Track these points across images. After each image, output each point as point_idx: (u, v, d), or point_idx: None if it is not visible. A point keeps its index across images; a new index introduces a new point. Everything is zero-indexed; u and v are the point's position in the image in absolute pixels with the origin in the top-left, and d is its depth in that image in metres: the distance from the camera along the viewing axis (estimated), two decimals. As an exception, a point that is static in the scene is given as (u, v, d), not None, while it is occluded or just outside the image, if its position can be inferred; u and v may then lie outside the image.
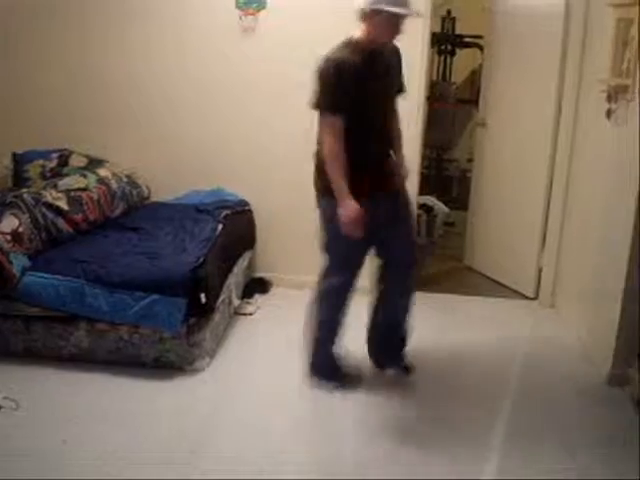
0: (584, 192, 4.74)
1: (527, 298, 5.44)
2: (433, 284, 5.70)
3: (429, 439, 3.46)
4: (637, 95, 3.84)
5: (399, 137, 3.89)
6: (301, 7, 5.04)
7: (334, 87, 3.46)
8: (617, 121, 4.15)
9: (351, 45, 3.56)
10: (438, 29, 7.64)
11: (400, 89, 3.86)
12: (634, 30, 3.93)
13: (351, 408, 3.73)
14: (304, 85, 5.12)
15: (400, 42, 4.88)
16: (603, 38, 4.33)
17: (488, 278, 5.88)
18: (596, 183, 4.46)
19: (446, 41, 8.00)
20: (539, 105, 5.24)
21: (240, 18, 5.08)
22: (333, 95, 3.49)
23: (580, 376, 4.18)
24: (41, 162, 5.06)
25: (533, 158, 5.32)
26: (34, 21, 5.30)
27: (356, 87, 3.48)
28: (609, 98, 4.21)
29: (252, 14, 5.06)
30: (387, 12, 3.41)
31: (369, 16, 3.47)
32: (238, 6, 5.06)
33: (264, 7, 5.03)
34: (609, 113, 4.23)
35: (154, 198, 5.42)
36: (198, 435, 3.40)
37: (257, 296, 5.17)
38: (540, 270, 5.35)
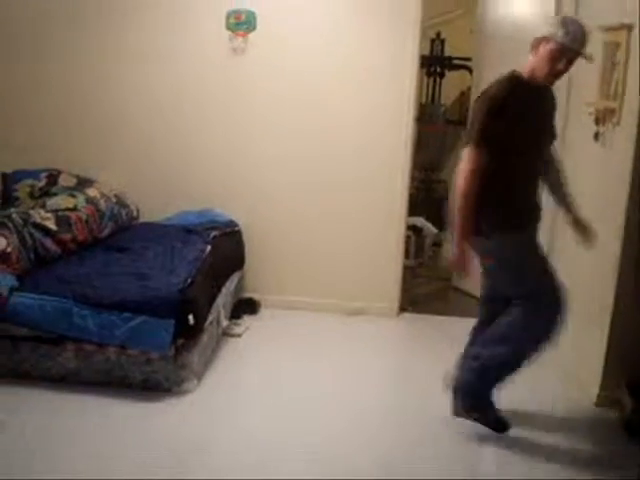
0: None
1: (516, 319, 5.43)
2: (422, 304, 5.71)
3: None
4: (624, 118, 3.87)
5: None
6: (290, 30, 5.09)
7: None
8: (605, 144, 4.17)
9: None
10: (427, 51, 7.68)
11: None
12: (621, 54, 3.97)
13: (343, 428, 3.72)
14: (293, 106, 5.20)
15: (390, 64, 4.97)
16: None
17: (476, 299, 5.86)
18: (584, 205, 4.47)
19: (435, 63, 8.04)
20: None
21: (230, 40, 5.10)
22: None
23: (568, 398, 4.18)
24: (30, 182, 5.06)
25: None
26: (24, 43, 5.31)
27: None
28: (597, 121, 4.24)
29: (242, 35, 5.09)
30: (556, 42, 3.29)
31: (538, 43, 3.40)
32: (228, 27, 5.09)
33: (254, 29, 5.06)
34: (597, 136, 4.25)
35: (143, 218, 5.42)
36: (186, 457, 3.38)
37: (246, 317, 5.16)
38: (529, 291, 5.35)
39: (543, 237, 5.09)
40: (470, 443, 3.61)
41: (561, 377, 4.43)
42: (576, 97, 4.76)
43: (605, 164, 4.12)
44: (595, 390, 4.06)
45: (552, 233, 5.07)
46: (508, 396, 4.05)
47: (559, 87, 4.88)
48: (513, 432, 3.70)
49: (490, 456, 3.54)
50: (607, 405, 4.01)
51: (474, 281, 3.52)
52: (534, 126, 3.43)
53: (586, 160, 4.49)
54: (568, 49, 3.29)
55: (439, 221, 7.41)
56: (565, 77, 4.80)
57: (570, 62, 3.37)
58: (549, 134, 3.59)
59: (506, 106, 3.33)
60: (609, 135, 4.10)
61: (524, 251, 3.53)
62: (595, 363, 4.06)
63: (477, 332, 3.82)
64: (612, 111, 4.04)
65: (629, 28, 3.90)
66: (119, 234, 5.04)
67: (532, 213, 3.61)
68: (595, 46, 4.23)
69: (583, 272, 4.38)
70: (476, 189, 3.32)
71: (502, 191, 3.41)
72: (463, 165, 3.39)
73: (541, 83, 3.44)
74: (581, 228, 3.66)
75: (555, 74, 3.40)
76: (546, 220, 5.06)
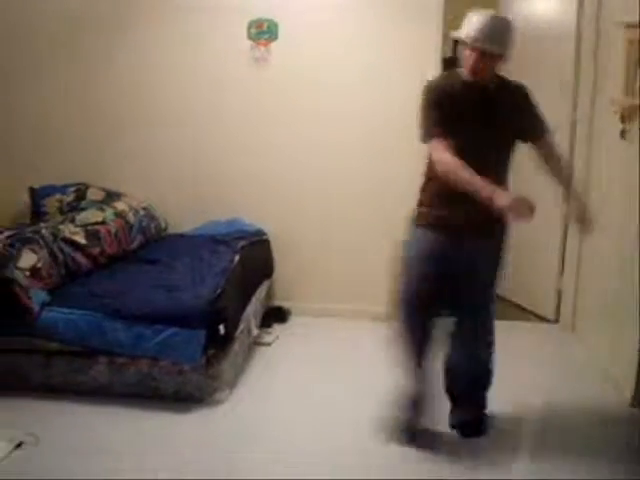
0: (601, 213, 4.71)
1: (547, 321, 5.40)
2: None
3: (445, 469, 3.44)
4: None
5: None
6: (312, 38, 5.09)
7: None
8: (631, 141, 4.13)
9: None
10: (450, 53, 7.65)
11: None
12: (644, 51, 3.94)
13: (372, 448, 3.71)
14: (318, 115, 5.20)
15: (412, 67, 4.95)
16: (615, 59, 4.33)
17: (507, 301, 5.84)
18: (613, 203, 4.44)
19: (458, 65, 7.99)
20: (553, 127, 5.22)
21: (252, 49, 5.12)
22: None
23: (603, 399, 4.14)
24: (58, 197, 5.10)
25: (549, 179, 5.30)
26: (50, 56, 5.36)
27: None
28: (623, 118, 4.20)
29: (264, 45, 5.10)
30: (463, 40, 3.30)
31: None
32: (250, 37, 5.10)
33: (276, 38, 5.07)
34: (623, 133, 4.22)
35: (171, 230, 5.44)
36: (219, 468, 3.38)
37: (276, 325, 5.17)
38: (560, 292, 5.32)
39: (572, 241, 5.08)
40: (505, 443, 3.59)
41: (596, 378, 4.39)
42: (601, 95, 4.72)
43: (632, 162, 4.08)
44: (630, 390, 4.01)
45: (581, 237, 5.03)
46: (543, 397, 4.04)
47: (583, 85, 4.89)
48: (547, 435, 3.68)
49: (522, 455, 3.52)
50: (642, 406, 3.97)
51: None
52: (462, 121, 3.36)
53: (613, 158, 4.45)
54: (472, 46, 3.26)
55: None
56: (589, 75, 4.82)
57: (483, 59, 3.28)
58: (497, 130, 3.41)
59: (438, 97, 3.40)
60: (635, 132, 4.07)
61: (414, 248, 3.54)
62: (630, 364, 4.01)
63: None
64: (638, 108, 4.00)
65: (652, 25, 3.88)
66: (148, 246, 5.07)
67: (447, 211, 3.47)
68: (618, 44, 4.22)
69: (616, 272, 4.34)
70: (456, 161, 3.23)
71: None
72: (434, 157, 3.39)
73: (481, 80, 3.38)
74: (580, 213, 3.55)
75: (474, 71, 3.34)
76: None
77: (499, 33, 3.28)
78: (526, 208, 3.18)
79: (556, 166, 3.56)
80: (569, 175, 3.64)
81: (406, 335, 3.59)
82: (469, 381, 3.75)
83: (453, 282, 3.51)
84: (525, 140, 3.50)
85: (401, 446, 3.55)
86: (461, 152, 3.25)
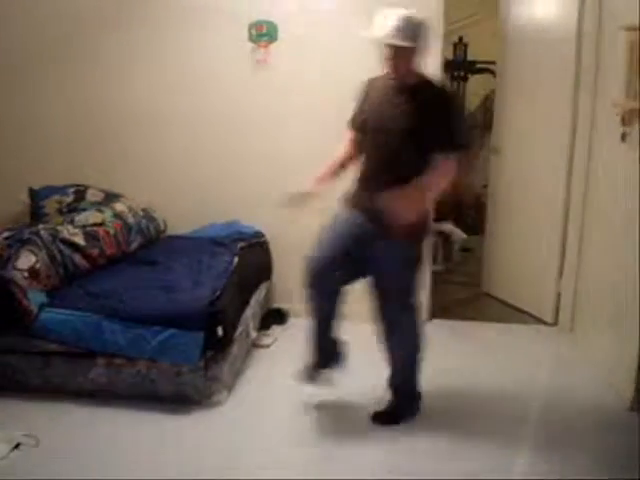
0: (601, 216, 4.71)
1: (546, 324, 5.40)
2: (451, 311, 5.68)
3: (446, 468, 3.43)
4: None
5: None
6: (312, 39, 5.07)
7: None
8: (632, 144, 4.13)
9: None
10: (450, 56, 7.66)
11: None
12: (645, 53, 3.93)
13: (373, 444, 3.71)
14: (317, 115, 5.19)
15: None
16: (616, 61, 4.32)
17: (506, 304, 5.84)
18: (613, 206, 4.44)
19: (458, 67, 8.01)
20: (553, 130, 5.23)
21: (253, 51, 5.12)
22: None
23: (601, 402, 4.13)
24: (58, 198, 5.08)
25: (548, 183, 5.31)
26: (50, 56, 5.36)
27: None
28: (623, 121, 4.19)
29: (264, 46, 5.10)
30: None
31: None
32: (251, 39, 5.10)
33: (275, 40, 5.07)
34: (624, 136, 4.21)
35: (170, 232, 5.43)
36: (216, 469, 3.38)
37: (274, 327, 5.16)
38: (559, 295, 5.31)
39: (572, 243, 5.08)
40: (502, 445, 3.59)
41: (595, 381, 4.38)
42: (602, 98, 4.71)
43: (632, 164, 4.07)
44: (629, 394, 4.00)
45: (581, 234, 5.04)
46: (541, 400, 4.04)
47: (583, 87, 4.89)
48: (545, 438, 3.67)
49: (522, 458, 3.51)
50: (641, 410, 3.96)
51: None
52: (369, 114, 3.64)
53: (613, 161, 4.44)
54: (383, 43, 3.43)
55: (467, 226, 7.38)
56: (589, 77, 4.82)
57: (395, 54, 3.45)
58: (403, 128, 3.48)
59: (361, 90, 3.74)
60: (636, 135, 4.06)
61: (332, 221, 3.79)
62: (629, 367, 4.00)
63: None
64: (638, 111, 3.99)
65: (653, 27, 3.87)
66: (147, 248, 5.06)
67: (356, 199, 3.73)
68: (619, 46, 4.22)
69: (616, 276, 4.33)
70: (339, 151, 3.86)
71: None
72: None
73: (399, 78, 3.54)
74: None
75: (389, 67, 3.53)
76: (575, 222, 5.06)
77: (406, 29, 3.36)
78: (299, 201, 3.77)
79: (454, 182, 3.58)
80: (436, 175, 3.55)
81: (309, 296, 3.82)
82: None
83: (355, 259, 3.70)
84: (432, 147, 3.47)
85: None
86: (366, 144, 3.64)
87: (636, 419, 3.90)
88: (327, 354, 3.97)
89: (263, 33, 5.08)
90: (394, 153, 3.53)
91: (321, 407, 4.02)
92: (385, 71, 3.56)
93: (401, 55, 3.42)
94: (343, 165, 3.86)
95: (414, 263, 3.71)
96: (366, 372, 4.17)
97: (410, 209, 3.40)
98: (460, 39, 7.92)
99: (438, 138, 3.44)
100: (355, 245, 3.65)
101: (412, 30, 3.37)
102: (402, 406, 3.94)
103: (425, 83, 3.54)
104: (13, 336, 3.98)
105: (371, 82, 3.72)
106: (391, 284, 3.73)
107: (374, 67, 5.03)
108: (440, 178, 3.52)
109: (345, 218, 3.73)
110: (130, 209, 5.06)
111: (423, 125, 3.43)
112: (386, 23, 3.36)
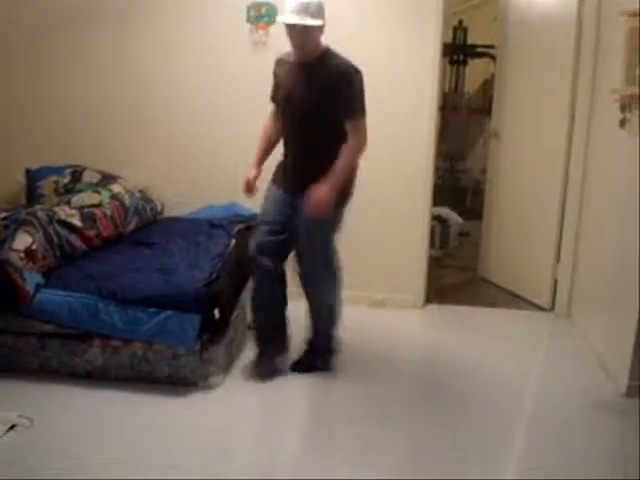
0: (599, 202, 4.71)
1: (543, 309, 5.41)
2: (447, 296, 5.68)
3: (433, 455, 3.44)
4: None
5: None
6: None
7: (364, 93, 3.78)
8: (631, 130, 4.12)
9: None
10: (449, 39, 7.63)
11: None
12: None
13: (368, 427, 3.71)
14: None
15: (412, 52, 4.95)
16: (616, 47, 4.31)
17: (503, 289, 5.84)
18: (611, 192, 4.44)
19: (458, 51, 7.99)
20: (552, 115, 5.22)
21: (251, 32, 5.09)
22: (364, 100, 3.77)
23: (597, 388, 4.15)
24: (54, 178, 5.07)
25: (547, 169, 5.30)
26: (49, 40, 5.33)
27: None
28: (623, 107, 4.19)
29: (263, 28, 5.07)
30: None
31: None
32: (249, 20, 5.07)
33: (274, 22, 5.03)
34: (623, 122, 4.20)
35: (167, 213, 5.42)
36: (212, 451, 3.39)
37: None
38: (556, 281, 5.32)
39: (569, 229, 5.08)
40: (495, 430, 3.60)
41: (591, 366, 4.40)
42: (601, 83, 4.70)
43: (632, 151, 4.07)
44: (624, 380, 4.01)
45: (579, 220, 5.04)
46: (537, 385, 4.05)
47: (583, 73, 4.88)
48: (540, 423, 3.68)
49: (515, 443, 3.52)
50: (637, 395, 3.95)
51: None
52: (280, 94, 3.98)
53: (612, 147, 4.44)
54: (285, 23, 3.72)
55: (464, 211, 7.38)
56: (589, 63, 4.81)
57: (296, 32, 3.72)
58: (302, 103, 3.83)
59: (274, 68, 4.04)
60: (636, 122, 4.05)
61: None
62: (625, 353, 4.01)
63: None
64: (638, 97, 3.98)
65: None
66: (144, 229, 5.04)
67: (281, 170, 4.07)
68: (620, 31, 4.20)
69: (611, 259, 4.34)
70: (264, 127, 4.21)
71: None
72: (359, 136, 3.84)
73: (303, 55, 3.83)
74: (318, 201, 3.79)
75: (292, 45, 3.82)
76: (573, 207, 5.06)
77: (305, 9, 3.64)
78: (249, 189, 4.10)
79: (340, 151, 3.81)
80: (338, 166, 3.81)
81: (254, 274, 4.10)
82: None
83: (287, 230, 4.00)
84: (337, 117, 3.79)
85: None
86: (282, 120, 3.99)
87: (631, 404, 3.91)
88: (277, 338, 4.26)
89: (262, 15, 5.05)
90: (304, 125, 3.87)
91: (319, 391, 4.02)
92: (294, 50, 3.83)
93: (310, 33, 3.71)
94: (271, 140, 4.17)
95: (332, 226, 4.00)
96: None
97: (325, 207, 3.74)
98: (460, 23, 7.89)
99: (339, 108, 3.76)
100: (286, 214, 3.98)
101: (309, 10, 3.65)
102: (313, 357, 4.25)
103: (329, 59, 3.83)
104: (9, 317, 3.97)
105: (279, 59, 4.01)
106: (310, 244, 4.01)
107: (373, 47, 5.06)
108: (345, 162, 3.81)
109: (275, 191, 4.09)
110: (127, 190, 5.05)
111: (327, 99, 3.74)
112: (288, 6, 3.67)
